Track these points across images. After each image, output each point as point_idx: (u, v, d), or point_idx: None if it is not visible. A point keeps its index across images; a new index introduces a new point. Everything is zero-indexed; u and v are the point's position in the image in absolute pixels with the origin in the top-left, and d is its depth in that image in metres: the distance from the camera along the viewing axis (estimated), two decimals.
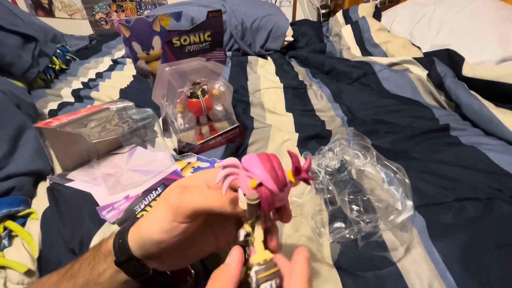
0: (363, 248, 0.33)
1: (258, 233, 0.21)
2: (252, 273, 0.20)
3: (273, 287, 0.19)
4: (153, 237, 0.23)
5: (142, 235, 0.24)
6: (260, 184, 0.20)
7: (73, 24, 1.71)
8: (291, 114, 0.67)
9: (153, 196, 0.43)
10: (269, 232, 0.23)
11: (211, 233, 0.27)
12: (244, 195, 0.20)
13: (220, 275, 0.21)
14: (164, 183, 0.45)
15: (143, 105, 0.62)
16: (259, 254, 0.20)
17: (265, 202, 0.20)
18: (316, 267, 0.32)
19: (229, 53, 1.11)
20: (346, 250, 0.33)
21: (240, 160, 0.22)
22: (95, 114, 0.49)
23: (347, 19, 1.18)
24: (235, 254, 0.22)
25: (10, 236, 0.39)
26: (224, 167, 0.21)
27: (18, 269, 0.34)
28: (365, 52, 0.98)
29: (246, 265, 0.22)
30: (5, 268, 0.35)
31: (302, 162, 0.21)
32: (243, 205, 0.21)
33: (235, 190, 0.22)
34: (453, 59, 0.70)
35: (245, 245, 0.23)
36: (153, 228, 0.23)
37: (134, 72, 0.93)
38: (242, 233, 0.22)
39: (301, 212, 0.39)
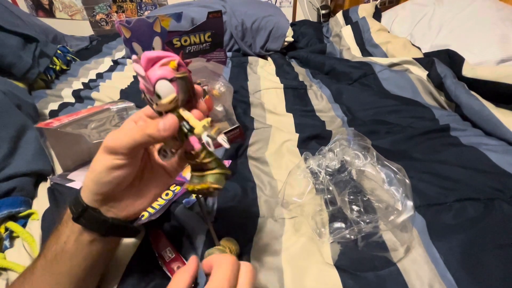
0: (363, 248, 0.33)
1: (187, 114, 0.23)
2: (205, 137, 0.22)
3: (225, 138, 0.23)
4: (103, 177, 0.24)
5: (92, 179, 0.25)
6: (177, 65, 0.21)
7: (73, 25, 1.71)
8: (291, 115, 0.67)
9: None
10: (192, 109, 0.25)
11: (159, 167, 0.29)
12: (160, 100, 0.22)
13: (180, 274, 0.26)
14: None
15: (143, 105, 0.62)
16: (198, 124, 0.22)
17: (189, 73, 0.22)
18: (316, 267, 0.32)
19: (229, 54, 1.11)
20: (346, 250, 0.34)
21: None
22: (95, 115, 0.49)
23: (347, 20, 1.18)
24: (191, 259, 0.28)
25: (11, 237, 0.39)
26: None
27: (20, 271, 0.34)
28: (365, 52, 0.98)
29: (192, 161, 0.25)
30: (6, 270, 0.35)
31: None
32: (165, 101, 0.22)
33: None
34: (453, 60, 0.70)
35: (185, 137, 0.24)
36: (100, 169, 0.24)
37: (135, 73, 0.93)
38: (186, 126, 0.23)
39: (302, 212, 0.39)
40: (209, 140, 0.22)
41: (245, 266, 0.25)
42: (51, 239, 0.27)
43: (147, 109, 0.26)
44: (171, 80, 0.21)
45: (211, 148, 0.22)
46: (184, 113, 0.23)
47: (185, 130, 0.23)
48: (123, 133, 0.24)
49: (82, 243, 0.26)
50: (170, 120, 0.22)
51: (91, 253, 0.26)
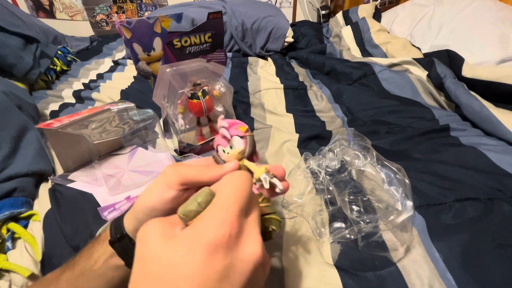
0: (363, 248, 0.33)
1: (249, 163, 0.28)
2: (263, 176, 0.26)
3: (279, 183, 0.26)
4: (148, 203, 0.24)
5: (138, 204, 0.25)
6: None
7: (74, 26, 1.72)
8: (291, 115, 0.67)
9: None
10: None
11: None
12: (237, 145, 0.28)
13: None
14: None
15: (144, 106, 0.62)
16: (259, 170, 0.27)
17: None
18: (316, 267, 0.32)
19: (229, 54, 1.11)
20: (347, 250, 0.34)
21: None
22: (96, 115, 0.49)
23: (347, 20, 1.18)
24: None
25: (13, 238, 0.39)
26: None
27: (22, 273, 0.34)
28: (365, 53, 0.98)
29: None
30: (9, 272, 0.35)
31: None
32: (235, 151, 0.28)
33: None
34: (453, 60, 0.71)
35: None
36: (149, 194, 0.25)
37: (135, 73, 0.93)
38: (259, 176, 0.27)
39: (302, 212, 0.39)
40: (266, 177, 0.26)
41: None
42: (83, 253, 0.27)
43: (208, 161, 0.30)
44: (241, 137, 0.28)
45: (266, 185, 0.26)
46: (247, 162, 0.28)
47: None
48: (192, 168, 0.25)
49: (109, 267, 0.26)
50: (232, 162, 0.27)
51: (114, 279, 0.26)
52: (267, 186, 0.26)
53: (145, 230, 0.19)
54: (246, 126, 0.29)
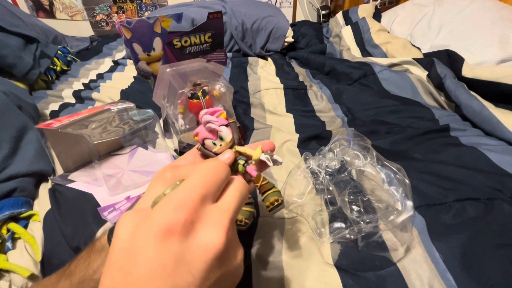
0: (363, 248, 0.33)
1: (242, 148, 0.28)
2: (263, 157, 0.27)
3: (279, 158, 0.28)
4: None
5: None
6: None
7: (74, 26, 1.72)
8: (291, 115, 0.67)
9: None
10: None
11: None
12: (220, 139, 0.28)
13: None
14: None
15: (144, 106, 0.62)
16: (254, 152, 0.28)
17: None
18: (316, 267, 0.32)
19: (229, 54, 1.11)
20: (347, 250, 0.34)
21: None
22: (96, 115, 0.49)
23: (347, 20, 1.18)
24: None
25: (13, 238, 0.39)
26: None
27: (22, 273, 0.34)
28: (365, 53, 0.98)
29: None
30: (9, 272, 0.35)
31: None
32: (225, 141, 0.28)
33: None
34: (453, 60, 0.71)
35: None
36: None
37: (135, 73, 0.93)
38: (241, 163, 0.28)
39: (302, 212, 0.39)
40: (268, 157, 0.27)
41: (237, 178, 0.23)
42: (79, 263, 0.27)
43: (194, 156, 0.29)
44: (226, 125, 0.28)
45: (271, 164, 0.27)
46: (239, 148, 0.28)
47: (242, 162, 0.28)
48: (188, 167, 0.24)
49: None
50: (227, 152, 0.27)
51: None
52: (271, 164, 0.27)
53: (118, 224, 0.19)
54: (224, 111, 0.29)
